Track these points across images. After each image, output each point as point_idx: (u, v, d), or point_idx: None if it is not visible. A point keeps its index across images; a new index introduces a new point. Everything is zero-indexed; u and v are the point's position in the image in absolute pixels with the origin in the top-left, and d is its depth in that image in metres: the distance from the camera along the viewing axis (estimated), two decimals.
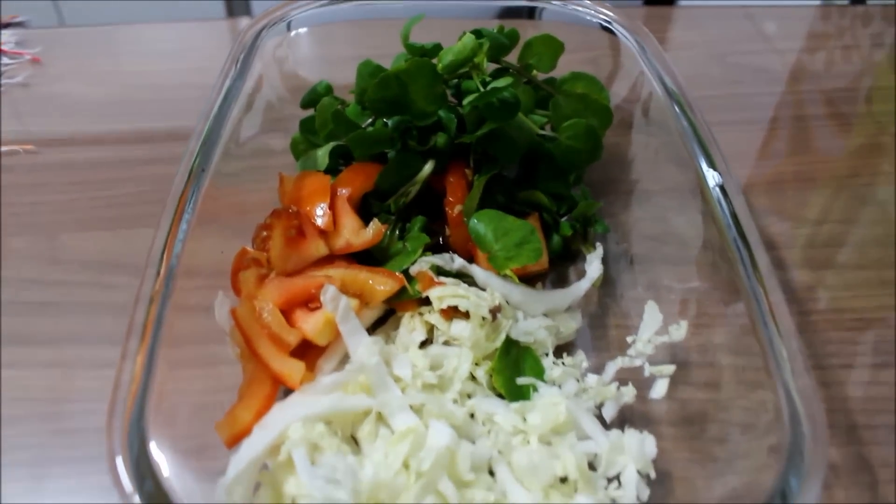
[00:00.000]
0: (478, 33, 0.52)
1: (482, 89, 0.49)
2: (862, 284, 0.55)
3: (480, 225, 0.48)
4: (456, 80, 0.53)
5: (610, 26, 0.60)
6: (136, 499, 0.31)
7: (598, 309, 0.51)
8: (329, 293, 0.42)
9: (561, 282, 0.52)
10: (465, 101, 0.50)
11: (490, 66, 0.54)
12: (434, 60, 0.51)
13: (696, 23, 0.91)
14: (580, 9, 0.61)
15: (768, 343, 0.38)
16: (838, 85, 0.79)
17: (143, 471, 0.32)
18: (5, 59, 0.75)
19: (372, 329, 0.46)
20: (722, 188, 0.45)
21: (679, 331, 0.45)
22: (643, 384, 0.45)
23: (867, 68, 0.82)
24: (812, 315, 0.53)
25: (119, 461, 0.32)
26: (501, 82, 0.49)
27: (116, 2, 1.77)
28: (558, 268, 0.54)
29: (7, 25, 0.80)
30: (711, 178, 0.46)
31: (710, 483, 0.39)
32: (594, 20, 0.61)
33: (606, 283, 0.52)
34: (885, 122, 0.73)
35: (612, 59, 0.61)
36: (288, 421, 0.38)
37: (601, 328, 0.50)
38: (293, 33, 0.62)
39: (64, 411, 0.46)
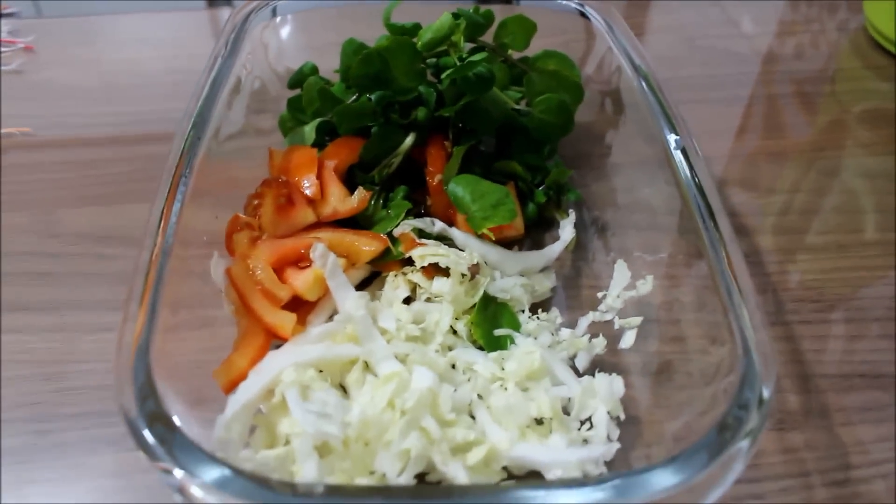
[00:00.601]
0: (455, 14, 0.55)
1: (459, 65, 0.52)
2: (822, 248, 0.59)
3: (458, 188, 0.51)
4: (435, 59, 0.56)
5: (581, 8, 0.63)
6: (139, 418, 0.33)
7: (572, 271, 0.54)
8: (318, 250, 0.44)
9: (536, 247, 0.55)
10: (443, 76, 0.52)
11: (467, 47, 0.57)
12: (414, 39, 0.54)
13: (673, 9, 0.94)
14: None
15: (728, 300, 0.40)
16: (806, 67, 0.82)
17: (146, 394, 0.34)
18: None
19: (358, 289, 0.48)
20: (685, 154, 0.48)
21: (646, 285, 0.48)
22: (613, 337, 0.48)
23: (833, 53, 0.86)
24: (776, 276, 0.56)
25: (127, 390, 0.34)
26: (477, 57, 0.52)
27: None
28: (534, 234, 0.57)
29: (0, 16, 0.82)
30: (674, 144, 0.49)
31: (674, 423, 0.42)
32: (565, 3, 0.64)
33: (579, 248, 0.55)
34: (847, 100, 0.77)
35: (583, 40, 0.64)
36: (281, 366, 0.40)
37: (574, 288, 0.53)
38: (278, 18, 0.65)
39: (65, 371, 0.48)
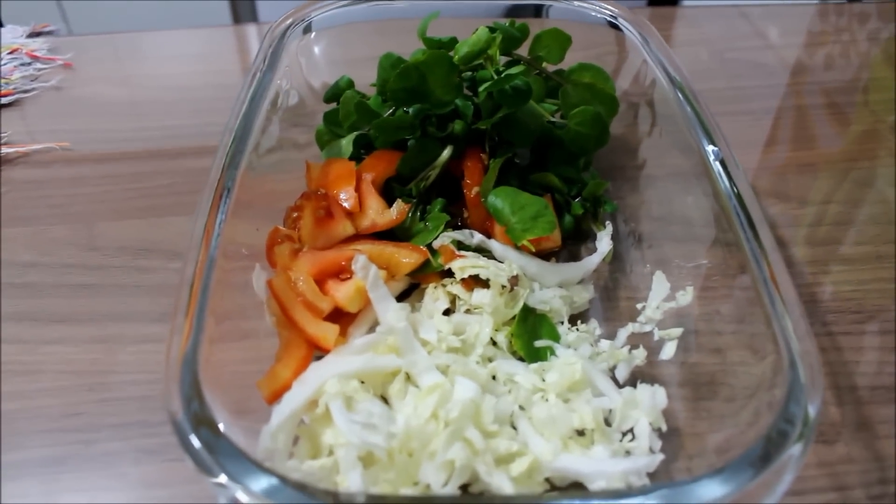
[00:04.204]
0: (491, 28, 0.55)
1: (496, 78, 0.53)
2: (860, 259, 0.58)
3: (498, 200, 0.51)
4: (471, 72, 0.56)
5: (614, 21, 0.63)
6: (184, 419, 0.34)
7: (609, 283, 0.54)
8: (360, 262, 0.45)
9: (574, 259, 0.55)
10: (480, 89, 0.53)
11: (503, 60, 0.58)
12: (450, 53, 0.54)
13: (699, 22, 0.94)
14: (585, 5, 0.64)
15: (772, 311, 0.40)
16: (837, 78, 0.82)
17: (192, 398, 0.35)
18: (39, 65, 0.79)
19: (398, 301, 0.49)
20: (724, 165, 0.48)
21: (685, 296, 0.48)
22: (653, 349, 0.48)
23: (864, 62, 0.85)
24: (814, 287, 0.56)
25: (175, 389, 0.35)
26: (514, 70, 0.52)
27: (121, 7, 1.83)
28: (571, 246, 0.57)
29: (39, 34, 0.84)
30: (713, 155, 0.49)
31: (716, 435, 0.41)
32: (599, 16, 0.64)
33: (616, 260, 0.55)
34: (880, 110, 0.77)
35: (616, 53, 0.64)
36: (325, 377, 0.41)
37: (612, 300, 0.53)
38: (314, 33, 0.66)
39: (108, 382, 0.49)
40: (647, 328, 0.49)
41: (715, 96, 0.78)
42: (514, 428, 0.42)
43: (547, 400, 0.43)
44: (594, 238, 0.56)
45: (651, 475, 0.41)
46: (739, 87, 0.81)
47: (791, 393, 0.36)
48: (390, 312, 0.45)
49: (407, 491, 0.38)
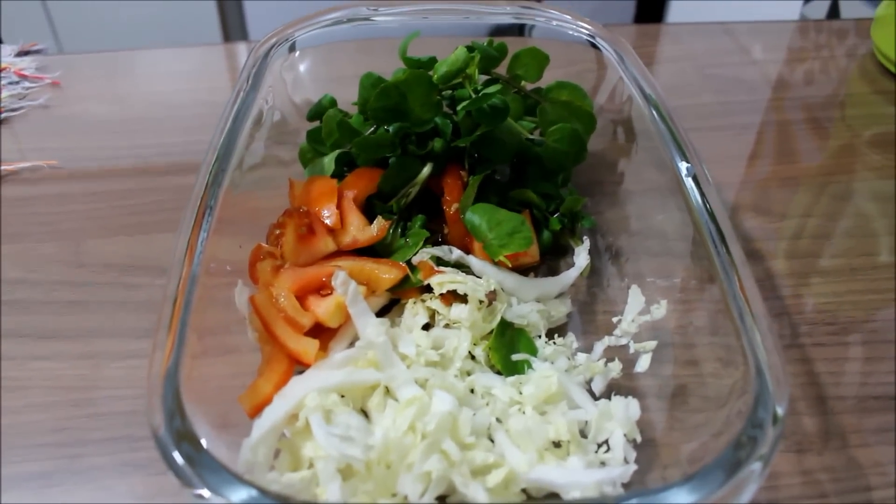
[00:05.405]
0: (470, 47, 0.56)
1: (474, 97, 0.54)
2: (834, 272, 0.59)
3: (475, 217, 0.52)
4: (450, 91, 0.57)
5: (592, 40, 0.64)
6: (166, 434, 0.35)
7: (587, 297, 0.55)
8: (340, 278, 0.46)
9: (552, 273, 0.56)
10: (458, 108, 0.54)
11: (482, 79, 0.59)
12: (430, 72, 0.55)
13: (683, 38, 0.96)
14: (564, 24, 0.66)
15: (741, 323, 0.41)
16: (816, 93, 0.84)
17: (174, 414, 0.35)
18: (27, 83, 0.80)
19: (378, 316, 0.49)
20: (696, 181, 0.49)
21: (660, 310, 0.49)
22: (629, 361, 0.49)
23: (842, 78, 0.87)
24: (789, 299, 0.57)
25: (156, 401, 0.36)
26: (492, 89, 0.53)
27: (111, 25, 1.85)
28: (549, 261, 0.58)
29: (28, 52, 0.85)
30: (685, 171, 0.50)
31: (689, 445, 0.42)
32: (577, 35, 0.65)
33: (593, 274, 0.56)
34: (857, 125, 0.78)
35: (594, 71, 0.66)
36: (305, 391, 0.41)
37: (589, 314, 0.54)
38: (297, 52, 0.67)
39: (94, 397, 0.49)
40: (623, 341, 0.50)
41: (699, 111, 0.79)
42: (491, 440, 0.43)
43: (524, 412, 0.44)
44: (572, 253, 0.57)
45: (626, 485, 0.41)
46: (723, 102, 0.82)
47: (759, 399, 0.37)
48: (370, 327, 0.46)
49: (385, 502, 0.39)
